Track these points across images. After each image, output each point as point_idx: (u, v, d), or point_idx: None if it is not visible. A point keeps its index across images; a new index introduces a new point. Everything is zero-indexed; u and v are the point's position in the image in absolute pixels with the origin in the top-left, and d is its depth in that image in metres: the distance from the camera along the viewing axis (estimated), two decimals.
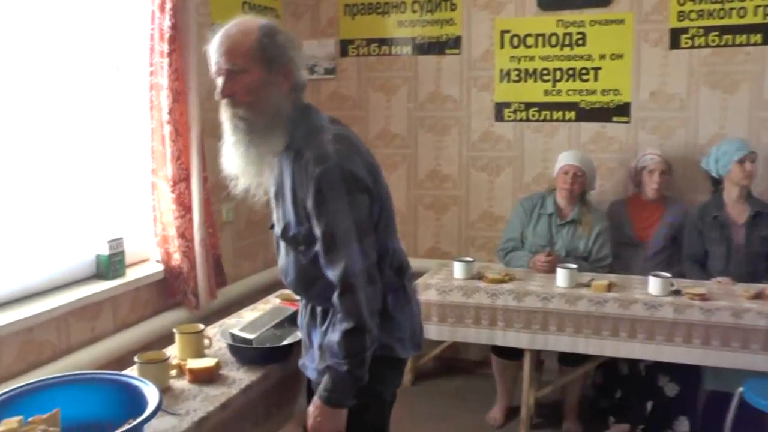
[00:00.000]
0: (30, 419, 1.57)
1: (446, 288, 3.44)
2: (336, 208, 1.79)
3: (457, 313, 3.44)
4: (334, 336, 1.82)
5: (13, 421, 1.54)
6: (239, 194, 1.98)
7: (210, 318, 3.02)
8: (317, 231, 1.83)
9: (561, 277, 3.37)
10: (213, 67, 1.86)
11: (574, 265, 3.41)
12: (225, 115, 1.88)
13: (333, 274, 1.82)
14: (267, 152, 1.88)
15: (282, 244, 2.02)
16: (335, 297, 1.82)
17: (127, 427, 1.52)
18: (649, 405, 3.53)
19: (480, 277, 3.51)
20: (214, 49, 1.84)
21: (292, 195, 1.89)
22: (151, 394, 1.64)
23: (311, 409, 1.88)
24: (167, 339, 2.90)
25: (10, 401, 1.64)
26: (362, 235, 1.81)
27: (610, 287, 3.30)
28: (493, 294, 3.37)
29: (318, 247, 1.85)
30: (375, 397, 1.98)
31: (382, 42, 4.43)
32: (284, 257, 2.02)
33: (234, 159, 1.89)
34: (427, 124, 4.42)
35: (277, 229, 2.01)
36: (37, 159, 2.85)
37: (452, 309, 3.44)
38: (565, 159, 3.79)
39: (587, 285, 3.34)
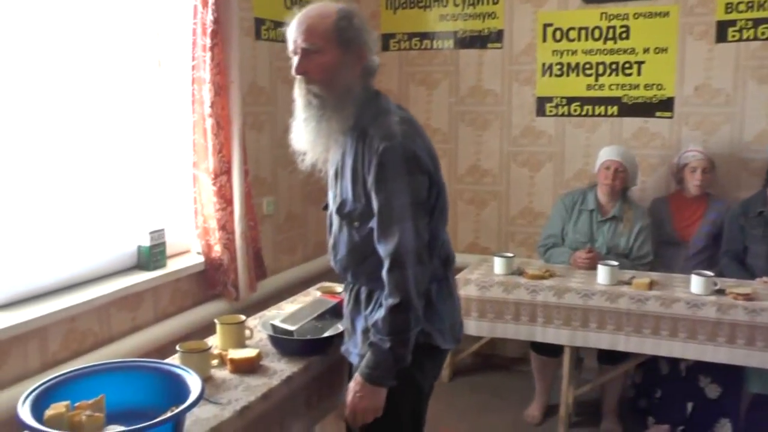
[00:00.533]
0: (76, 404, 1.60)
1: (486, 283, 3.42)
2: (395, 184, 1.84)
3: (497, 308, 3.41)
4: (380, 313, 1.86)
5: (61, 405, 1.57)
6: (306, 169, 2.05)
7: (249, 310, 3.04)
8: (375, 205, 1.88)
9: (602, 274, 3.33)
10: (290, 46, 1.95)
11: (615, 262, 3.36)
12: (298, 92, 1.97)
13: (385, 248, 1.86)
14: (336, 128, 1.95)
15: (335, 222, 2.07)
16: (384, 272, 1.86)
17: (169, 414, 1.54)
18: (690, 406, 3.47)
19: (520, 272, 3.48)
20: (292, 29, 1.93)
21: (352, 173, 1.94)
22: (194, 382, 1.66)
23: (351, 385, 1.92)
24: (207, 330, 2.93)
25: (57, 386, 1.67)
26: (418, 215, 1.86)
27: (651, 285, 3.25)
28: (533, 290, 3.34)
29: (373, 222, 1.89)
30: (413, 384, 2.00)
31: (424, 36, 4.41)
32: (336, 234, 2.07)
33: (304, 134, 1.98)
34: (468, 118, 4.39)
35: (332, 207, 2.06)
36: (82, 152, 2.90)
37: (492, 304, 3.42)
38: (606, 154, 3.74)
39: (628, 282, 3.30)
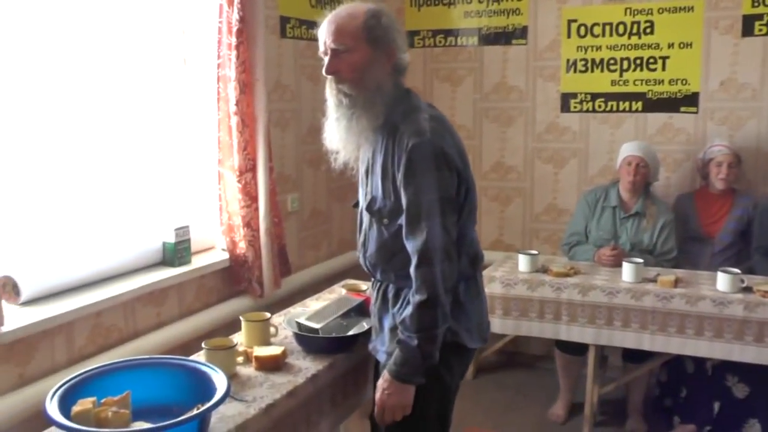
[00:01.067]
0: (103, 400, 1.61)
1: (511, 281, 3.41)
2: (424, 180, 1.85)
3: (522, 306, 3.40)
4: (408, 310, 1.87)
5: (88, 401, 1.58)
6: (338, 168, 2.07)
7: (273, 306, 3.05)
8: (403, 201, 1.89)
9: (626, 271, 3.30)
10: (321, 47, 1.96)
11: (640, 260, 3.33)
12: (329, 92, 1.99)
13: (413, 245, 1.87)
14: (367, 126, 1.96)
15: (365, 219, 2.08)
16: (412, 268, 1.87)
17: (196, 412, 1.55)
18: (717, 406, 3.43)
19: (545, 270, 3.46)
20: (322, 30, 1.96)
21: (382, 170, 1.95)
22: (220, 380, 1.67)
23: (380, 382, 1.93)
24: (231, 326, 2.95)
25: (84, 383, 1.69)
26: (446, 212, 1.87)
27: (676, 283, 3.21)
28: (558, 288, 3.32)
29: (402, 219, 1.90)
30: (440, 383, 2.00)
31: (448, 33, 4.39)
32: (366, 231, 2.08)
33: (336, 133, 2.00)
34: (492, 115, 4.37)
35: (363, 204, 2.07)
36: (109, 149, 2.93)
37: (516, 302, 3.40)
38: (627, 150, 3.71)
39: (653, 280, 3.27)
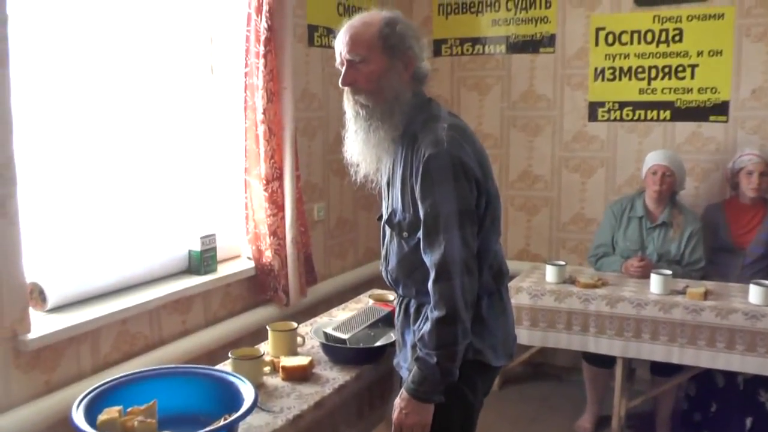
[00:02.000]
0: (129, 409, 1.61)
1: (538, 292, 3.37)
2: (442, 191, 1.79)
3: (549, 317, 3.36)
4: (426, 326, 1.81)
5: (114, 410, 1.58)
6: (359, 181, 2.03)
7: (299, 315, 3.05)
8: (421, 213, 1.83)
9: (655, 283, 3.25)
10: (337, 58, 1.93)
11: (668, 271, 3.28)
12: (347, 103, 1.95)
13: (431, 258, 1.81)
14: (385, 137, 1.91)
15: (387, 232, 2.03)
16: (430, 283, 1.81)
17: (223, 423, 1.53)
18: (749, 421, 3.36)
19: (572, 281, 3.42)
20: (338, 41, 1.92)
21: (401, 181, 1.91)
22: (247, 390, 1.66)
23: (398, 401, 1.86)
24: (257, 335, 2.95)
25: (110, 391, 1.69)
26: (465, 224, 1.80)
27: (706, 295, 3.16)
28: (586, 299, 3.28)
29: (420, 232, 1.85)
30: (463, 401, 1.95)
31: (476, 41, 4.37)
32: (387, 245, 2.04)
33: (355, 146, 1.96)
34: (520, 123, 4.34)
35: (384, 216, 2.03)
36: (136, 157, 2.94)
37: (544, 313, 3.37)
38: (653, 159, 3.67)
39: (682, 292, 3.21)
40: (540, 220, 4.38)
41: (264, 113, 3.04)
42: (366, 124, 1.91)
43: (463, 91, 4.45)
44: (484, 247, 1.91)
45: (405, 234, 1.92)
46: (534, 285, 3.42)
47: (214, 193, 3.32)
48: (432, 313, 1.79)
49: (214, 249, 3.06)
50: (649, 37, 3.98)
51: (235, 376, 1.75)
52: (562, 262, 3.54)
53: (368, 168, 1.99)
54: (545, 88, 4.25)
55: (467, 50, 4.40)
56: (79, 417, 1.52)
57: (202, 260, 3.01)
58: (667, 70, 3.96)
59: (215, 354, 2.91)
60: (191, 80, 3.20)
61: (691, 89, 3.92)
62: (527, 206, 4.39)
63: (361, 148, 1.95)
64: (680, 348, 3.15)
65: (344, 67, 1.90)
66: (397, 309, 2.08)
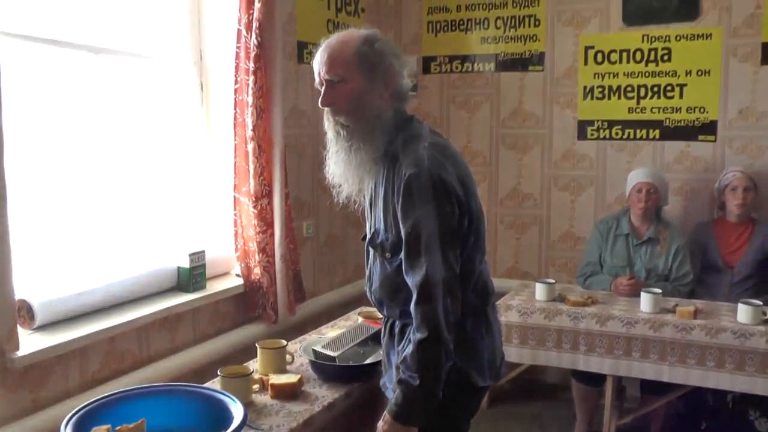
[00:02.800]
0: (117, 428, 1.59)
1: (528, 310, 3.37)
2: (422, 212, 1.75)
3: (539, 335, 3.35)
4: (409, 348, 1.77)
5: (102, 429, 1.57)
6: (342, 202, 1.99)
7: (288, 333, 3.03)
8: (403, 233, 1.80)
9: (645, 301, 3.26)
10: (316, 78, 1.89)
11: (658, 290, 3.29)
12: (327, 124, 1.91)
13: (413, 279, 1.77)
14: (366, 158, 1.87)
15: (371, 252, 2.01)
16: (412, 305, 1.77)
17: None
18: None
19: (562, 299, 3.42)
20: (316, 61, 1.88)
21: (384, 201, 1.88)
22: (236, 409, 1.64)
23: (380, 424, 1.82)
24: (246, 352, 2.93)
25: (98, 410, 1.67)
26: (447, 244, 1.77)
27: (696, 314, 3.16)
28: (576, 317, 3.28)
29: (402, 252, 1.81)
30: (448, 423, 1.93)
31: (465, 59, 4.40)
32: (371, 266, 2.01)
33: (337, 167, 1.92)
34: (509, 141, 4.36)
35: (368, 236, 2.00)
36: (124, 174, 2.93)
37: (533, 331, 3.36)
38: (636, 177, 3.70)
39: (672, 310, 3.22)
40: (529, 238, 4.39)
41: (253, 130, 3.04)
42: (347, 145, 1.87)
43: (452, 109, 4.47)
44: (468, 266, 1.88)
45: (388, 255, 1.89)
46: (523, 303, 3.42)
47: (204, 210, 3.31)
48: (414, 335, 1.76)
49: (203, 266, 3.05)
50: (638, 56, 4.01)
51: (224, 394, 1.73)
52: (552, 280, 3.54)
53: (350, 189, 1.95)
54: (534, 106, 4.28)
55: (456, 68, 4.43)
56: None
57: (191, 277, 2.99)
58: (655, 89, 4.00)
59: (204, 372, 2.88)
60: (181, 96, 3.20)
61: (680, 108, 3.95)
62: (516, 224, 4.40)
63: (342, 169, 1.90)
64: (670, 366, 3.15)
65: (323, 87, 1.86)
66: (383, 329, 2.06)
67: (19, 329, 2.29)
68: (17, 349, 2.23)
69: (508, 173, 4.39)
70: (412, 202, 1.76)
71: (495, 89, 4.36)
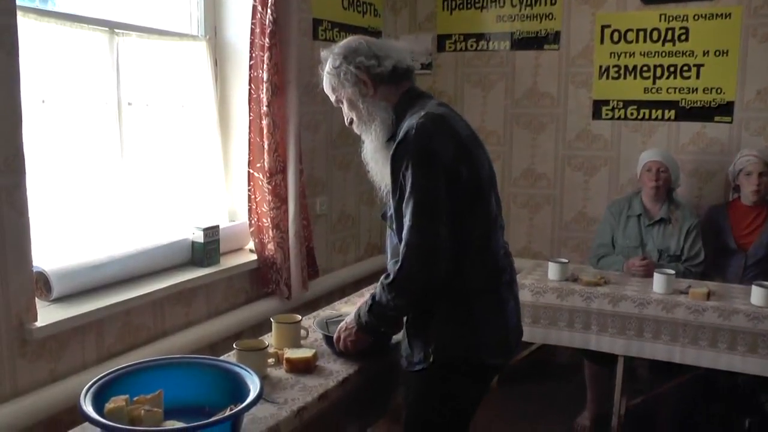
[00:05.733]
0: (135, 398, 1.60)
1: (540, 289, 3.36)
2: (406, 179, 1.83)
3: (551, 315, 3.35)
4: (380, 284, 1.93)
5: (120, 399, 1.57)
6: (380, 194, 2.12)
7: (301, 309, 3.05)
8: (390, 202, 1.93)
9: (658, 282, 3.24)
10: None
11: (671, 271, 3.28)
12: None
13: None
14: (373, 148, 2.01)
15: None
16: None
17: (229, 413, 1.53)
18: (747, 422, 3.36)
19: (575, 279, 3.42)
20: None
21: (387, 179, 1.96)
22: (253, 381, 1.65)
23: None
24: (258, 328, 2.95)
25: (116, 380, 1.69)
26: (426, 212, 1.81)
27: (709, 295, 3.15)
28: (588, 297, 3.27)
29: None
30: (454, 403, 1.98)
31: (480, 37, 4.37)
32: (386, 239, 2.12)
33: (371, 169, 2.08)
34: (523, 121, 4.34)
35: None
36: (140, 149, 2.94)
37: (546, 311, 3.36)
38: (647, 156, 3.69)
39: (685, 292, 3.20)
40: (542, 218, 4.38)
41: (269, 106, 3.04)
42: (363, 143, 2.07)
43: (466, 87, 4.44)
44: (482, 245, 1.92)
45: (393, 226, 1.97)
46: (536, 282, 3.42)
47: (218, 186, 3.32)
48: (385, 279, 1.89)
49: (217, 241, 3.06)
50: (655, 35, 3.97)
51: (240, 367, 1.74)
52: (565, 260, 3.53)
53: (375, 178, 2.09)
54: (549, 86, 4.25)
55: (471, 46, 4.40)
56: (87, 405, 1.52)
57: (206, 252, 3.01)
58: (672, 69, 3.96)
59: (217, 346, 2.91)
60: (195, 72, 3.20)
61: (696, 89, 3.91)
62: (530, 204, 4.39)
63: (368, 160, 2.07)
64: (682, 348, 3.14)
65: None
66: None
67: (37, 301, 2.31)
68: (36, 320, 2.26)
69: (522, 153, 4.37)
70: (396, 170, 1.85)
71: (510, 68, 4.33)
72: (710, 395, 3.52)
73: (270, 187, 3.10)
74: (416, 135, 1.82)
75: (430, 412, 2.00)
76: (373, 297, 1.95)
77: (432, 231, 1.81)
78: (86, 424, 1.60)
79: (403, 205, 1.84)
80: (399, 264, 1.84)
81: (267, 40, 3.02)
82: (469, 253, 1.90)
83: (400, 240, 1.89)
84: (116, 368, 1.72)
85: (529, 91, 4.30)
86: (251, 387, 1.63)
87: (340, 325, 2.10)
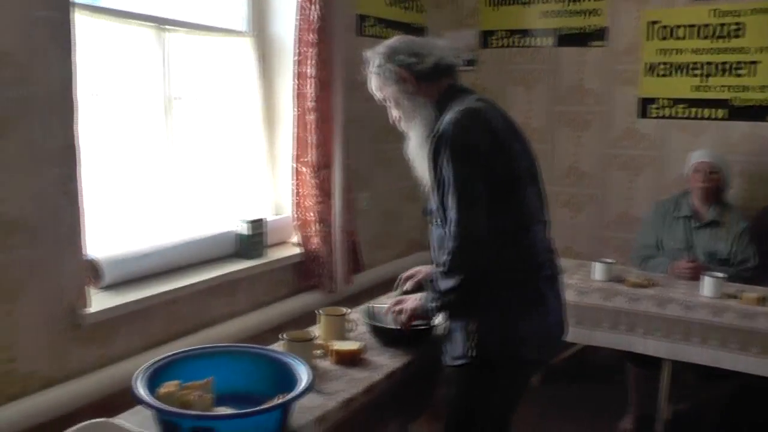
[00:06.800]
0: (186, 384, 1.62)
1: (585, 289, 3.32)
2: (448, 174, 1.86)
3: (595, 316, 3.30)
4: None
5: (172, 384, 1.59)
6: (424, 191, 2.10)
7: (342, 303, 3.03)
8: (434, 196, 1.95)
9: (707, 285, 3.17)
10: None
11: (721, 274, 3.21)
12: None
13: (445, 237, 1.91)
14: (416, 144, 2.03)
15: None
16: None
17: (279, 401, 1.54)
18: None
19: (620, 280, 3.37)
20: None
21: (428, 174, 1.98)
22: (304, 371, 1.66)
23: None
24: (300, 320, 2.96)
25: (167, 366, 1.71)
26: (469, 202, 1.85)
27: (760, 301, 3.07)
28: (634, 298, 3.21)
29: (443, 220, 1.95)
30: (494, 396, 1.98)
31: (524, 33, 4.34)
32: (431, 235, 2.11)
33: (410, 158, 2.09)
34: (567, 118, 4.29)
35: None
36: (188, 141, 2.97)
37: (590, 311, 3.30)
38: (697, 157, 3.61)
39: (735, 296, 3.13)
40: (584, 218, 4.33)
41: (316, 101, 3.05)
42: (407, 139, 2.09)
43: (509, 84, 4.41)
44: (522, 237, 1.94)
45: (436, 221, 2.01)
46: (581, 282, 3.37)
47: (264, 179, 3.35)
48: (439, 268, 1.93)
49: (262, 234, 3.08)
50: (706, 31, 3.89)
51: (290, 357, 1.75)
52: (611, 260, 3.48)
53: (420, 174, 2.09)
54: (594, 83, 4.20)
55: (515, 42, 4.36)
56: (140, 388, 1.54)
57: (250, 245, 3.03)
58: (724, 66, 3.87)
59: (260, 338, 2.92)
60: (241, 67, 3.22)
61: (750, 87, 3.81)
62: (572, 203, 4.35)
63: (412, 156, 2.09)
64: (731, 353, 3.05)
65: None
66: None
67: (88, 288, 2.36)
68: (86, 306, 2.30)
69: (565, 151, 4.32)
70: (435, 165, 1.90)
71: (554, 65, 4.29)
72: (756, 402, 3.43)
73: (316, 181, 3.12)
74: (453, 129, 1.86)
75: (471, 408, 2.01)
76: (432, 286, 1.97)
77: (474, 221, 1.85)
78: (137, 407, 1.62)
79: (447, 198, 1.88)
80: (449, 255, 1.87)
81: (314, 36, 3.03)
82: (506, 246, 1.91)
83: (446, 233, 1.91)
84: (166, 354, 1.74)
85: (574, 88, 4.25)
86: (301, 376, 1.64)
87: (400, 298, 2.15)
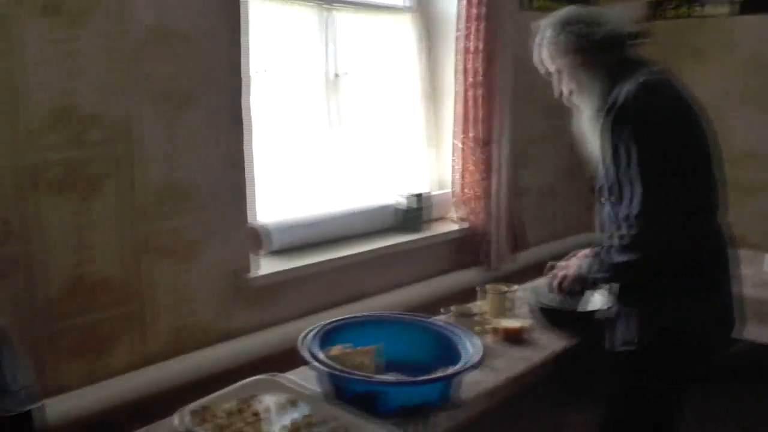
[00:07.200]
0: (357, 348, 1.65)
1: (759, 282, 3.08)
2: (629, 149, 1.76)
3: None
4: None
5: (342, 348, 1.64)
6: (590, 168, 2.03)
7: (502, 281, 3.00)
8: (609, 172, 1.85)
9: None
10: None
11: None
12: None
13: (621, 214, 1.81)
14: (588, 116, 1.94)
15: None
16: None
17: (448, 372, 1.53)
18: None
19: None
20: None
21: (601, 149, 1.90)
22: (473, 344, 1.65)
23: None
24: (459, 296, 2.94)
25: (334, 330, 1.76)
26: (653, 178, 1.74)
27: None
28: None
29: (610, 200, 1.88)
30: (661, 381, 1.87)
31: (694, 1, 4.02)
32: (599, 213, 2.02)
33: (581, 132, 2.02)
34: (747, 96, 3.97)
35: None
36: (352, 116, 3.04)
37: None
38: None
39: None
40: (761, 204, 4.01)
41: (483, 76, 3.02)
42: (578, 115, 2.01)
43: (678, 59, 4.12)
44: (700, 220, 1.84)
45: (602, 199, 1.94)
46: (753, 274, 3.13)
47: (427, 154, 3.36)
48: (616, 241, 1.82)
49: (421, 209, 3.09)
50: None
51: (462, 331, 1.74)
52: None
53: (590, 150, 2.01)
54: None
55: (684, 13, 4.08)
56: (312, 348, 1.58)
57: (410, 219, 3.04)
58: None
59: (415, 311, 2.93)
60: (404, 44, 3.24)
61: None
62: (748, 188, 4.02)
63: (582, 134, 2.02)
64: None
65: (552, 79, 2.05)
66: None
67: (255, 252, 2.48)
68: (255, 269, 2.41)
69: (743, 132, 4.00)
70: (614, 138, 1.79)
71: (731, 36, 3.96)
72: None
73: (482, 157, 3.09)
74: (635, 102, 1.76)
75: (633, 396, 1.91)
76: (601, 259, 1.88)
77: (661, 199, 1.75)
78: (301, 368, 1.66)
79: (626, 173, 1.78)
80: (631, 230, 1.77)
81: (483, 8, 3.00)
82: (686, 228, 1.80)
83: (620, 211, 1.84)
84: (337, 318, 1.80)
85: (754, 61, 3.92)
86: (470, 349, 1.63)
87: (564, 263, 2.08)
